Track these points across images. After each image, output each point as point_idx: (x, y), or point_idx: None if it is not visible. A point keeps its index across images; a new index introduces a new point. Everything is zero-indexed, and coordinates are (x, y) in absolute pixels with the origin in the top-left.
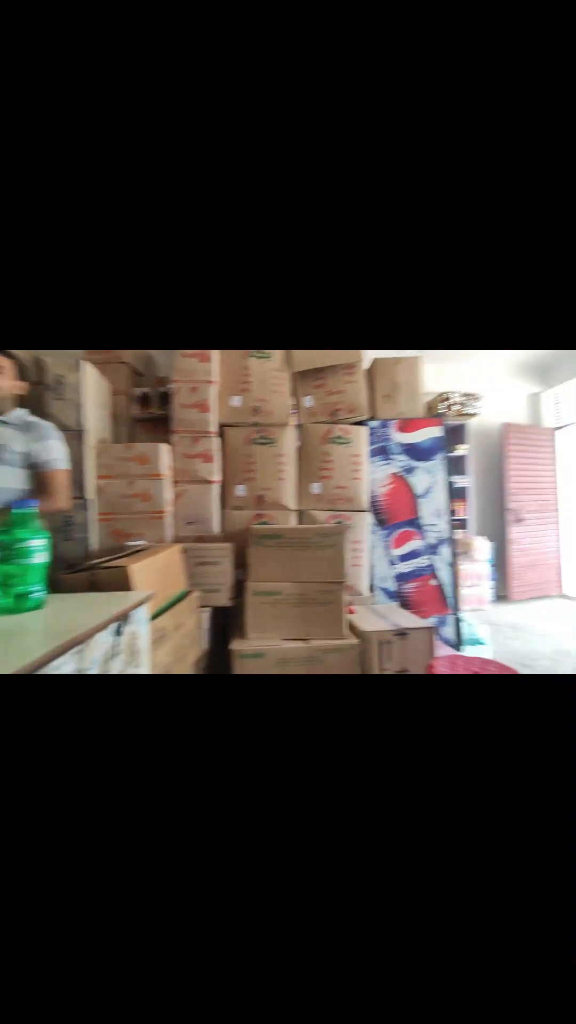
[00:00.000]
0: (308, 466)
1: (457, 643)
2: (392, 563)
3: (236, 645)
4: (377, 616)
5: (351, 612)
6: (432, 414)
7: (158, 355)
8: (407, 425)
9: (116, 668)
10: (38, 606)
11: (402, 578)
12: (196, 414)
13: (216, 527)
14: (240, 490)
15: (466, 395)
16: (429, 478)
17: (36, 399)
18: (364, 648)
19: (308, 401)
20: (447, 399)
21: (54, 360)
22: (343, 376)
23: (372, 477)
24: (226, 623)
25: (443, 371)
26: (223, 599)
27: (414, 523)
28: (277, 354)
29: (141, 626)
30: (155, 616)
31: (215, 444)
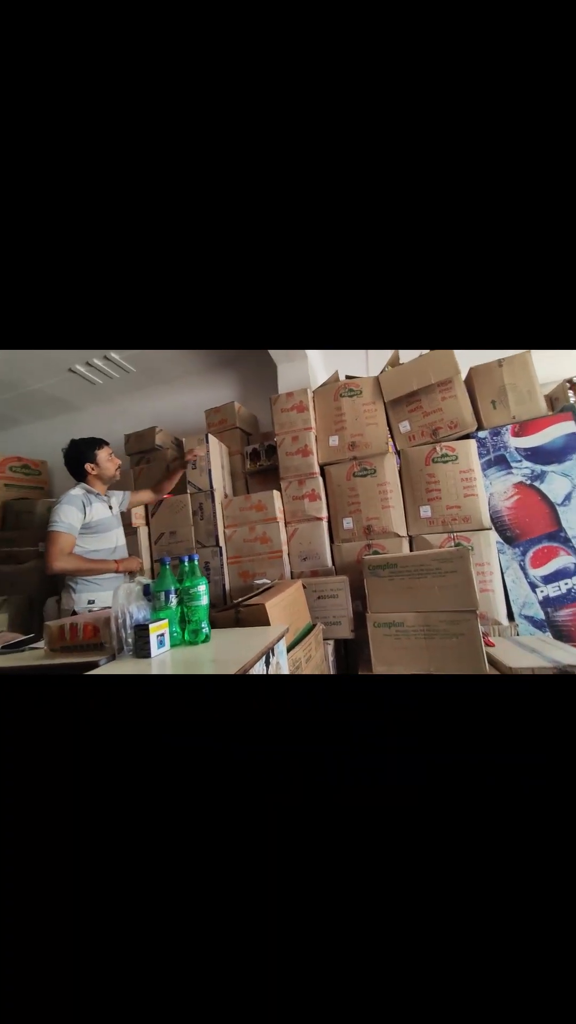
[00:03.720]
0: (413, 490)
1: None
2: (534, 586)
3: None
4: (525, 650)
5: (489, 644)
6: (560, 408)
7: (262, 414)
8: (525, 428)
9: None
10: (206, 639)
11: (551, 603)
12: (299, 459)
13: (328, 561)
14: (347, 523)
15: None
16: (567, 482)
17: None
18: None
19: (404, 426)
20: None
21: (187, 438)
22: (439, 394)
23: (491, 491)
24: (348, 656)
25: (563, 353)
26: (345, 631)
27: (557, 536)
28: (367, 388)
29: (282, 657)
30: (290, 649)
31: (319, 483)
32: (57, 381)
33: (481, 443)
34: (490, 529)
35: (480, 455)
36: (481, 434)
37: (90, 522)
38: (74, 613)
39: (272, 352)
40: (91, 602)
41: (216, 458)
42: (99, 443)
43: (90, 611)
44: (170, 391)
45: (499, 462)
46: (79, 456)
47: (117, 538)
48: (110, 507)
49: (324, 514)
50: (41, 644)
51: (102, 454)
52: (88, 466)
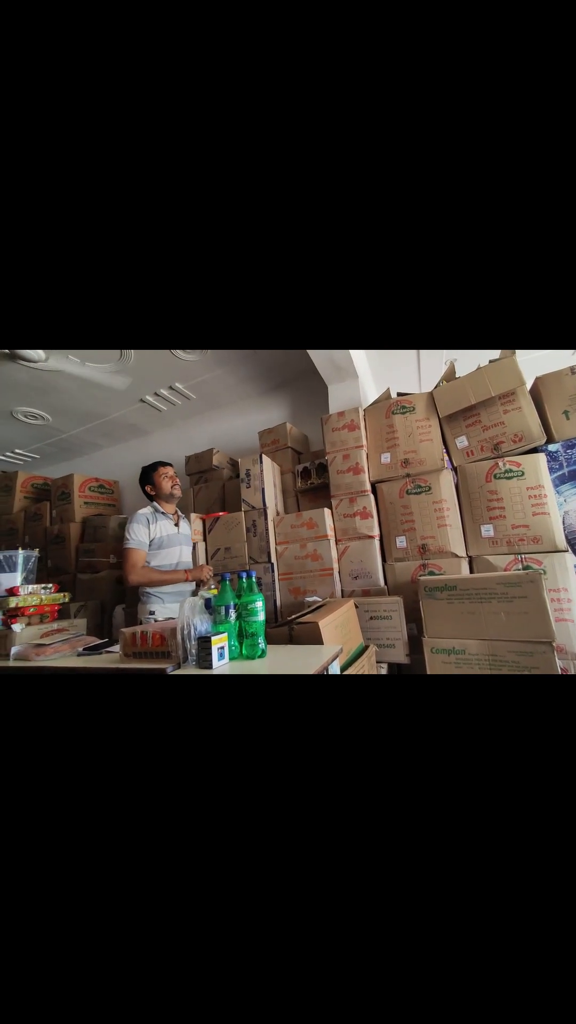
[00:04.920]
0: (472, 508)
1: None
2: None
3: None
4: None
5: None
6: None
7: (313, 434)
8: None
9: None
10: (263, 655)
11: None
12: (351, 477)
13: (381, 580)
14: (400, 541)
15: None
16: None
17: (234, 489)
18: None
19: (461, 442)
20: None
21: (242, 459)
22: (501, 407)
23: (565, 508)
24: None
25: None
26: (400, 655)
27: None
28: (420, 404)
29: None
30: (342, 670)
31: (371, 501)
32: (131, 410)
33: (552, 457)
34: (566, 551)
35: (552, 470)
36: (552, 447)
37: (154, 538)
38: (139, 623)
39: (323, 373)
40: (151, 613)
41: (269, 477)
42: (156, 465)
43: (145, 622)
44: (226, 415)
45: (575, 477)
46: (142, 478)
47: (180, 553)
48: (176, 524)
49: (376, 532)
50: (116, 648)
51: (157, 474)
52: (147, 487)
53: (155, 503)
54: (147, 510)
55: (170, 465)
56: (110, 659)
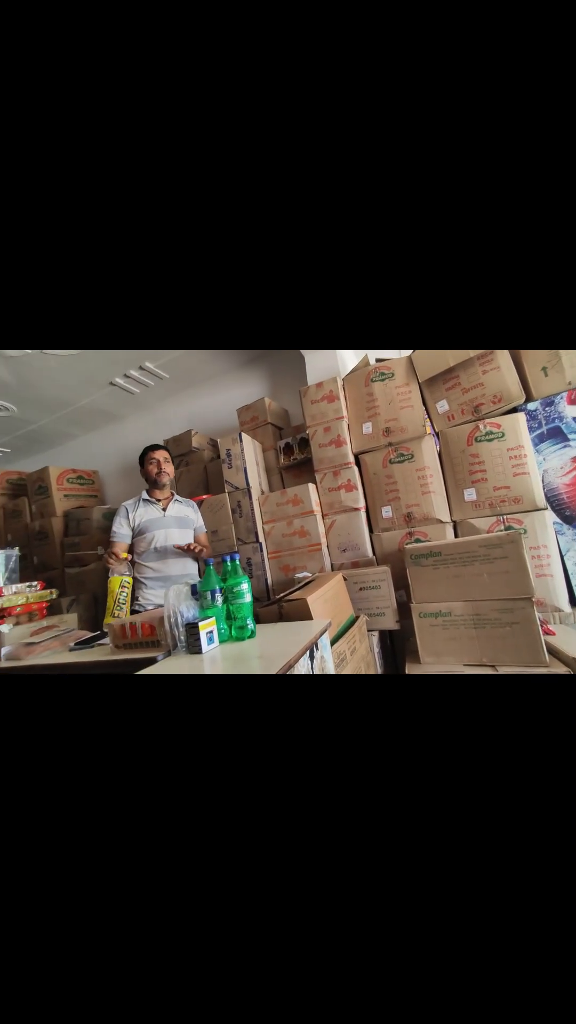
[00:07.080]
0: (455, 473)
1: None
2: None
3: (412, 671)
4: None
5: (549, 633)
6: None
7: (293, 407)
8: None
9: None
10: (252, 635)
11: None
12: (333, 450)
13: (369, 551)
14: (386, 511)
15: None
16: None
17: (217, 471)
18: None
19: (442, 406)
20: None
21: (221, 439)
22: (480, 367)
23: (544, 467)
24: (394, 647)
25: None
26: (389, 623)
27: None
28: (399, 370)
29: (326, 651)
30: (333, 642)
31: (355, 473)
32: (101, 395)
33: (531, 416)
34: (545, 509)
35: (531, 429)
36: (531, 406)
37: (135, 525)
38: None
39: None
40: (135, 600)
41: (250, 455)
42: (144, 451)
43: (141, 609)
44: (203, 393)
45: (554, 435)
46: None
47: (159, 538)
48: (164, 508)
49: (361, 504)
50: (107, 640)
51: (145, 460)
52: (141, 472)
53: (147, 489)
54: (131, 500)
55: (161, 449)
56: (102, 652)
